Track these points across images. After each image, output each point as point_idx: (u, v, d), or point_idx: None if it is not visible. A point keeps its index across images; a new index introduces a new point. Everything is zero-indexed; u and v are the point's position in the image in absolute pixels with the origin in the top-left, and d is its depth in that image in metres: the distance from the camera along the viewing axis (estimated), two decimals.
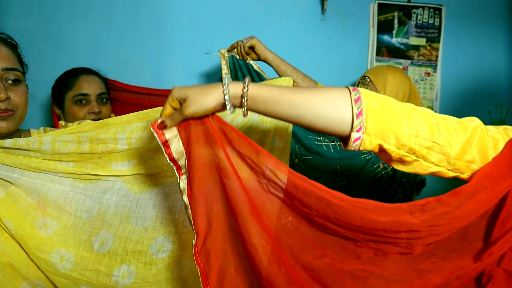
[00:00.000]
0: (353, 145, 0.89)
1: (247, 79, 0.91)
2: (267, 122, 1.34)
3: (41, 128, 1.32)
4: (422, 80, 2.55)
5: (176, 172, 0.94)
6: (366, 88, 1.86)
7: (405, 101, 1.84)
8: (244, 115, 0.92)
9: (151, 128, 0.92)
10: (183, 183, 0.94)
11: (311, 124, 0.90)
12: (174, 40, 2.35)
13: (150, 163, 1.18)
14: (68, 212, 1.13)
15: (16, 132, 1.22)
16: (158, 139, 0.92)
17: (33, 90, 2.19)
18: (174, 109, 0.95)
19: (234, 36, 2.30)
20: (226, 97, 0.90)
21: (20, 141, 1.05)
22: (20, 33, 2.21)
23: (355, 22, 2.49)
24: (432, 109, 2.55)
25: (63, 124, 1.71)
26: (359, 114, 0.86)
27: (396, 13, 2.50)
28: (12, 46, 1.21)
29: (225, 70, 1.78)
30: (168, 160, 0.93)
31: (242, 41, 1.77)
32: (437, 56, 2.55)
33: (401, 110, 0.89)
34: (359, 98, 0.88)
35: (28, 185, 1.08)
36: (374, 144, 0.88)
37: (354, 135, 0.87)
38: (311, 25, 2.45)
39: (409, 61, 2.53)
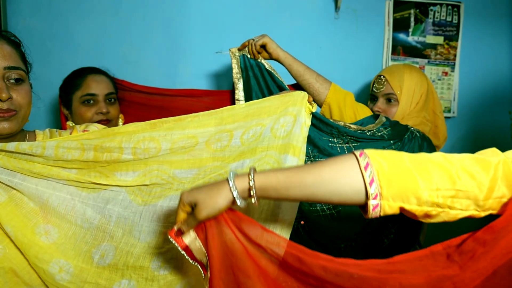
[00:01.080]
0: (372, 213, 0.86)
1: (252, 171, 0.91)
2: (279, 138, 1.31)
3: (47, 130, 1.28)
4: (439, 80, 2.47)
5: (201, 270, 0.98)
6: (382, 88, 1.80)
7: (422, 101, 1.78)
8: (255, 204, 0.91)
9: (169, 237, 0.94)
10: (207, 282, 0.95)
11: (327, 201, 0.89)
12: (184, 39, 2.31)
13: (156, 174, 1.14)
14: (69, 221, 1.09)
15: (19, 133, 1.18)
16: (178, 246, 0.95)
17: (41, 90, 2.16)
18: (188, 212, 0.97)
19: (246, 34, 2.25)
20: (235, 194, 0.90)
21: (23, 145, 1.01)
22: (29, 32, 2.20)
23: (370, 20, 2.43)
24: (450, 110, 2.47)
25: (70, 124, 1.68)
26: (372, 181, 0.84)
27: (412, 11, 2.43)
28: (15, 44, 1.17)
29: (235, 70, 1.74)
30: (191, 261, 0.96)
31: (254, 40, 1.73)
32: (455, 55, 2.47)
33: (415, 166, 0.85)
34: (368, 164, 0.85)
35: (29, 191, 1.04)
36: (394, 207, 0.85)
37: (371, 203, 0.84)
38: (324, 23, 2.39)
39: (426, 60, 2.46)
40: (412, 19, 2.43)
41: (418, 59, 2.45)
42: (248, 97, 1.73)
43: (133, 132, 1.09)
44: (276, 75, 1.72)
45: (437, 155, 0.88)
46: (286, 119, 1.29)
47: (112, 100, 1.72)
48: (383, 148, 1.59)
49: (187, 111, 1.76)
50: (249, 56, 1.75)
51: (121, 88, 1.84)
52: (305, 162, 1.62)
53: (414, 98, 1.79)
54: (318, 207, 1.58)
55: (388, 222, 1.60)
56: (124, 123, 1.81)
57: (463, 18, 2.46)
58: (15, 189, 1.04)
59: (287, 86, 1.71)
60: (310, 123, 1.35)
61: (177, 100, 1.82)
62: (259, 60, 1.74)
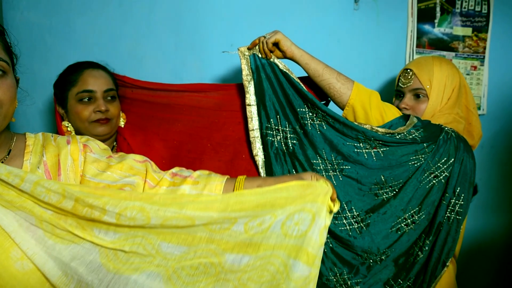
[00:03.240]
0: None
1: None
2: (291, 237, 1.12)
3: (40, 134, 1.14)
4: (468, 74, 2.31)
5: None
6: (409, 82, 1.67)
7: (454, 96, 1.64)
8: None
9: None
10: None
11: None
12: (193, 35, 2.18)
13: (139, 241, 0.98)
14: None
15: (3, 134, 1.04)
16: None
17: (40, 88, 2.06)
18: None
19: (259, 29, 2.13)
20: None
21: (1, 169, 0.90)
22: (28, 27, 2.08)
23: (392, 11, 2.28)
24: (479, 107, 2.31)
25: (66, 125, 1.55)
26: None
27: (438, 0, 2.27)
28: None
29: (245, 71, 1.58)
30: None
31: (265, 37, 1.56)
32: (484, 48, 2.32)
33: None
34: None
35: None
36: None
37: None
38: (343, 15, 2.25)
39: (453, 54, 2.30)
40: (437, 9, 2.28)
41: (444, 52, 2.29)
42: (260, 101, 1.57)
43: (123, 198, 0.95)
44: (292, 76, 1.56)
45: None
46: (302, 217, 1.11)
47: (112, 97, 1.59)
48: (416, 152, 1.45)
49: (194, 107, 1.68)
50: (260, 55, 1.58)
51: (122, 85, 1.70)
52: (328, 171, 1.49)
53: (446, 93, 1.65)
54: (345, 221, 1.44)
55: (422, 233, 1.47)
56: (126, 122, 1.69)
57: (493, 8, 2.31)
58: None
59: (304, 88, 1.54)
60: (329, 224, 1.16)
61: (183, 96, 1.67)
62: (271, 59, 1.58)
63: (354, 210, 1.46)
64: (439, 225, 1.44)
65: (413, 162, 1.45)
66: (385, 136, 1.44)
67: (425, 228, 1.46)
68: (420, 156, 1.45)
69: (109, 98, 1.58)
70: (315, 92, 1.65)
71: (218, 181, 1.14)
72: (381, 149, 1.45)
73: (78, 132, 1.56)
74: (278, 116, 1.57)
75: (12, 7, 2.06)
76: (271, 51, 1.57)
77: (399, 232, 1.45)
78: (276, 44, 1.56)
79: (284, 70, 1.56)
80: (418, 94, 1.66)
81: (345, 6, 2.24)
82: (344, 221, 1.45)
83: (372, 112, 1.52)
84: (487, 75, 2.33)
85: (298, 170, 1.51)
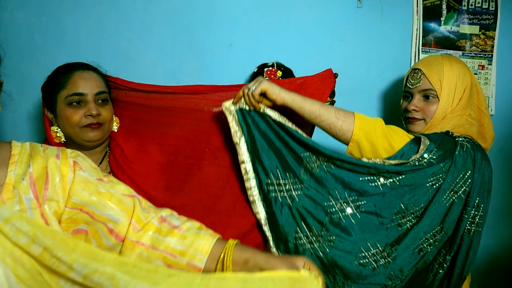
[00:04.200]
0: None
1: None
2: None
3: (27, 144, 1.06)
4: (475, 74, 2.23)
5: None
6: (418, 83, 1.60)
7: (466, 97, 1.56)
8: None
9: None
10: None
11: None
12: (190, 34, 2.11)
13: None
14: None
15: None
16: None
17: (30, 91, 1.98)
18: None
19: (258, 27, 2.12)
20: None
21: None
22: (16, 27, 2.01)
23: (396, 9, 2.20)
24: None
25: (55, 130, 1.47)
26: None
27: None
28: None
29: (234, 128, 1.43)
30: None
31: (249, 88, 1.40)
32: (492, 46, 2.25)
33: None
34: None
35: None
36: None
37: None
38: (346, 13, 2.18)
39: (460, 53, 2.23)
40: (444, 6, 2.20)
41: (451, 51, 2.21)
42: (255, 157, 1.43)
43: (96, 259, 0.87)
44: (288, 125, 1.41)
45: None
46: None
47: (104, 100, 1.50)
48: (433, 174, 1.36)
49: (191, 110, 1.58)
50: (248, 107, 1.43)
51: (115, 87, 1.62)
52: (344, 210, 1.38)
53: (457, 94, 1.57)
54: (370, 259, 1.36)
55: (442, 248, 1.40)
56: (119, 127, 1.60)
57: (501, 5, 2.24)
58: None
59: (304, 135, 1.41)
60: None
61: (180, 98, 1.59)
62: (262, 110, 1.43)
63: (378, 245, 1.37)
64: (460, 239, 1.37)
65: (432, 184, 1.36)
66: (398, 167, 1.35)
67: (445, 243, 1.39)
68: (438, 176, 1.37)
69: (100, 101, 1.49)
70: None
71: (206, 242, 1.05)
72: (397, 178, 1.36)
73: (68, 138, 1.48)
74: (278, 169, 1.43)
75: (1, 7, 1.98)
76: (259, 101, 1.43)
77: (422, 253, 1.38)
78: (263, 94, 1.41)
79: (279, 120, 1.42)
80: (428, 95, 1.59)
81: (348, 4, 2.17)
82: (369, 259, 1.36)
83: (379, 142, 1.40)
84: (495, 75, 2.26)
85: (308, 221, 1.39)
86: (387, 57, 2.21)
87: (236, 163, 1.49)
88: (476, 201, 1.36)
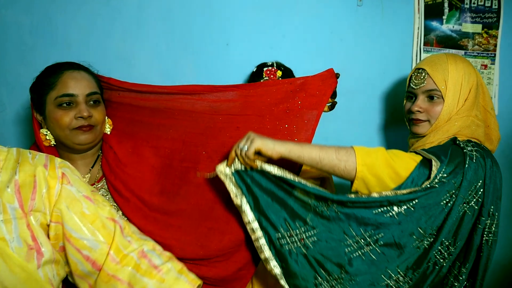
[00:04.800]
0: None
1: None
2: None
3: (14, 150, 1.02)
4: None
5: None
6: (422, 83, 1.55)
7: (471, 97, 1.51)
8: None
9: None
10: None
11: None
12: (186, 32, 2.06)
13: None
14: None
15: None
16: None
17: (20, 93, 1.91)
18: None
19: (255, 26, 2.07)
20: None
21: None
22: (5, 26, 1.96)
23: (397, 7, 2.15)
24: None
25: (45, 133, 1.41)
26: None
27: None
28: None
29: (233, 191, 1.35)
30: None
31: (240, 149, 1.32)
32: (495, 45, 2.20)
33: None
34: None
35: None
36: None
37: None
38: (346, 11, 2.13)
39: (463, 52, 2.17)
40: (446, 4, 2.15)
41: (453, 50, 2.16)
42: (261, 214, 1.34)
43: None
44: (290, 177, 1.33)
45: None
46: None
47: (96, 101, 1.45)
48: (447, 191, 1.30)
49: (187, 111, 1.52)
50: (243, 167, 1.36)
51: (107, 88, 1.56)
52: (362, 247, 1.32)
53: (462, 94, 1.52)
54: (395, 286, 1.31)
55: (456, 260, 1.35)
56: (112, 129, 1.55)
57: (504, 3, 2.18)
58: None
59: (308, 184, 1.33)
60: None
61: (175, 99, 1.54)
62: (260, 167, 1.34)
63: (399, 271, 1.31)
64: (478, 251, 1.32)
65: (446, 201, 1.30)
66: (411, 195, 1.28)
67: (458, 255, 1.34)
68: (451, 193, 1.31)
69: (92, 102, 1.43)
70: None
71: None
72: (410, 204, 1.29)
73: (58, 141, 1.42)
74: (286, 221, 1.35)
75: None
76: (255, 160, 1.35)
77: (437, 267, 1.33)
78: (258, 153, 1.33)
79: (279, 174, 1.34)
80: (432, 96, 1.54)
81: (347, 2, 2.12)
82: (393, 286, 1.31)
83: (384, 173, 1.33)
84: (498, 74, 2.21)
85: (326, 266, 1.32)
86: (387, 56, 2.16)
87: None
88: (491, 210, 1.31)
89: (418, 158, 1.36)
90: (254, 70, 1.78)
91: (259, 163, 1.32)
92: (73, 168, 1.08)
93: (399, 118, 2.10)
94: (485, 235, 1.32)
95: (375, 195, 1.29)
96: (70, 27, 1.99)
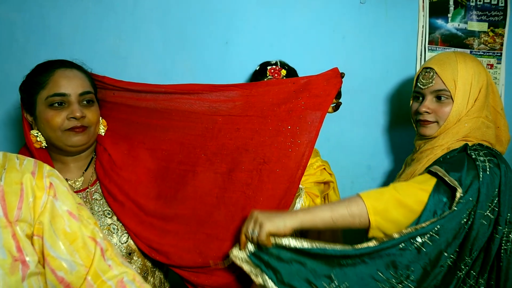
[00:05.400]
0: None
1: None
2: None
3: (0, 154, 0.97)
4: None
5: None
6: (430, 83, 1.51)
7: (481, 97, 1.46)
8: None
9: None
10: None
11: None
12: (184, 30, 2.02)
13: None
14: None
15: None
16: None
17: (13, 93, 1.83)
18: None
19: (255, 24, 2.03)
20: None
21: None
22: None
23: (401, 5, 2.10)
24: None
25: (35, 134, 1.35)
26: None
27: None
28: None
29: (253, 272, 1.27)
30: None
31: (251, 233, 1.26)
32: (501, 44, 2.15)
33: None
34: None
35: None
36: None
37: None
38: (348, 9, 2.09)
39: (468, 51, 2.13)
40: (451, 2, 2.11)
41: (458, 49, 2.11)
42: (287, 285, 1.26)
43: None
44: (309, 246, 1.26)
45: None
46: None
47: (89, 101, 1.38)
48: (466, 210, 1.25)
49: (185, 112, 1.45)
50: (258, 247, 1.28)
51: (101, 87, 1.49)
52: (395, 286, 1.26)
53: (472, 94, 1.47)
54: None
55: (471, 270, 1.29)
56: (107, 130, 1.49)
57: (510, 1, 2.14)
58: None
59: (327, 247, 1.26)
60: None
61: (173, 99, 1.48)
62: (274, 244, 1.26)
63: None
64: (497, 260, 1.27)
65: (466, 220, 1.25)
66: (435, 223, 1.23)
67: (474, 265, 1.29)
68: (470, 210, 1.26)
69: (85, 102, 1.36)
70: None
71: None
72: (433, 231, 1.24)
73: (50, 143, 1.35)
74: (311, 284, 1.28)
75: None
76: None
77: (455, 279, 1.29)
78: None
79: (297, 246, 1.27)
80: (440, 96, 1.48)
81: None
82: None
83: (399, 214, 1.28)
84: (504, 74, 2.17)
85: None
86: (391, 55, 2.12)
87: (235, 169, 1.38)
88: (508, 218, 1.26)
89: (429, 185, 1.29)
90: (257, 69, 1.74)
91: (273, 240, 1.27)
92: (61, 178, 1.02)
93: (403, 119, 2.06)
94: (503, 244, 1.26)
95: (395, 236, 1.24)
96: (63, 24, 1.94)
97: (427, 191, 1.28)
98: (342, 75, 1.45)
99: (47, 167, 1.00)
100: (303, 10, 2.05)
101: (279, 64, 1.70)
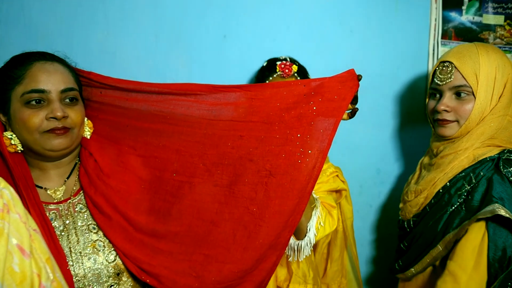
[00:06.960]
0: None
1: None
2: None
3: None
4: None
5: None
6: (449, 78, 1.41)
7: (507, 92, 1.39)
8: None
9: None
10: None
11: None
12: (177, 22, 1.94)
13: None
14: None
15: None
16: None
17: None
18: None
19: (256, 16, 1.96)
20: None
21: None
22: None
23: None
24: None
25: (9, 136, 1.21)
26: None
27: None
28: None
29: None
30: None
31: None
32: None
33: None
34: None
35: None
36: None
37: None
38: (356, 1, 2.01)
39: None
40: None
41: None
42: None
43: None
44: None
45: None
46: None
47: (72, 99, 1.24)
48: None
49: (181, 115, 1.30)
50: None
51: (87, 84, 1.36)
52: None
53: (496, 89, 1.38)
54: None
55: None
56: (93, 133, 1.35)
57: None
58: None
59: None
60: None
61: (167, 100, 1.36)
62: None
63: None
64: None
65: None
66: None
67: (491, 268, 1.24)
68: None
69: (68, 100, 1.23)
70: None
71: None
72: None
73: (26, 147, 1.21)
74: None
75: None
76: None
77: None
78: None
79: None
80: (460, 92, 1.39)
81: None
82: None
83: None
84: None
85: None
86: (402, 50, 2.04)
87: (237, 182, 1.27)
88: None
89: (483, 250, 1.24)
90: (264, 65, 1.67)
91: None
92: (17, 199, 0.89)
93: (415, 119, 1.99)
94: None
95: None
96: (46, 16, 1.85)
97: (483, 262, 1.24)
98: (359, 78, 1.31)
99: (2, 183, 0.90)
100: (308, 2, 1.98)
101: (288, 59, 1.63)
